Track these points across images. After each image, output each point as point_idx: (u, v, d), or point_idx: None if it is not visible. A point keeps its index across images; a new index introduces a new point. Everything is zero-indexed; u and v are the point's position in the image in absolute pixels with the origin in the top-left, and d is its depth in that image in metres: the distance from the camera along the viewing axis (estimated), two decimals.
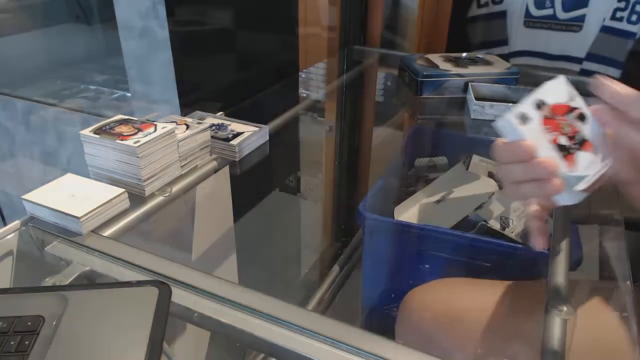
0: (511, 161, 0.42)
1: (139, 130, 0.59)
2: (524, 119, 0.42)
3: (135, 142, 0.56)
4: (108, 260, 0.47)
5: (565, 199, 0.43)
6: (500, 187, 0.79)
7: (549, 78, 0.44)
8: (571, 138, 0.42)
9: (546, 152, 0.41)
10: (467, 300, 0.55)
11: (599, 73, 1.08)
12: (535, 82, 0.47)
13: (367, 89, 1.21)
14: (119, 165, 0.58)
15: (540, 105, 0.42)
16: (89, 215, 0.51)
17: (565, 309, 0.42)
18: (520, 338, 0.49)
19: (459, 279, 0.60)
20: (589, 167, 0.42)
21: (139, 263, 0.47)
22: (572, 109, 0.43)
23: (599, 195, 0.64)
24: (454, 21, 1.23)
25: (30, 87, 1.11)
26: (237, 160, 0.70)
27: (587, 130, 0.42)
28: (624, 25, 1.04)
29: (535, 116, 0.42)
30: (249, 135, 0.72)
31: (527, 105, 0.42)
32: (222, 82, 0.92)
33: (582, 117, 0.43)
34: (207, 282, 0.44)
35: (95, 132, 0.59)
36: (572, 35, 1.11)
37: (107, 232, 0.52)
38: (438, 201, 0.78)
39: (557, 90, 0.43)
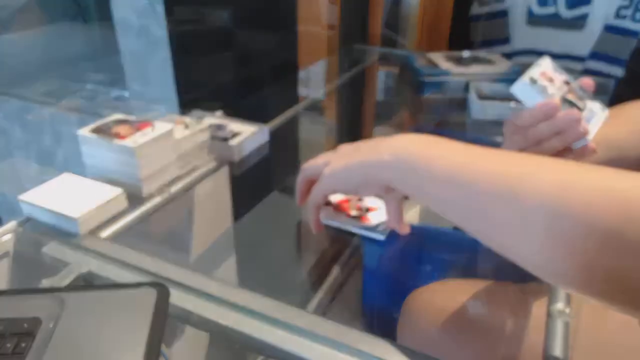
0: (539, 120, 0.48)
1: (137, 130, 0.59)
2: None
3: (133, 142, 0.56)
4: (105, 262, 0.47)
5: (582, 142, 0.51)
6: None
7: None
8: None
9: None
10: (469, 302, 0.55)
11: (603, 72, 1.08)
12: None
13: (367, 88, 1.21)
14: (117, 166, 0.58)
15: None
16: (86, 216, 0.50)
17: (567, 310, 0.42)
18: (522, 340, 0.49)
19: (460, 281, 0.60)
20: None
21: (137, 264, 0.46)
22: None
23: None
24: (456, 20, 1.22)
25: (26, 87, 1.10)
26: (236, 160, 0.70)
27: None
28: (627, 24, 1.04)
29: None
30: (248, 135, 0.71)
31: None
32: (221, 81, 0.92)
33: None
34: (205, 283, 0.44)
35: (93, 131, 0.58)
36: (575, 34, 1.11)
37: (105, 233, 0.52)
38: None
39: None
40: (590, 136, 0.49)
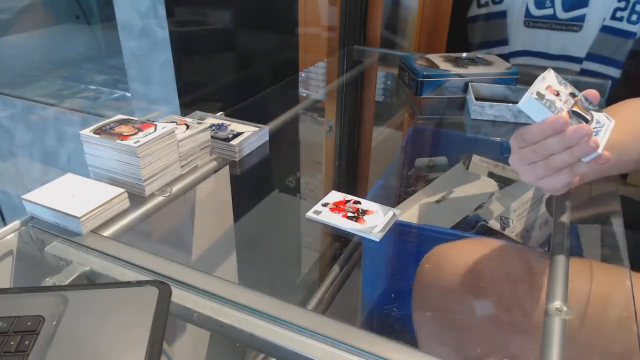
0: (549, 135, 0.47)
1: (139, 130, 0.59)
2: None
3: (135, 142, 0.56)
4: (108, 260, 0.48)
5: (592, 155, 0.49)
6: (500, 188, 0.79)
7: None
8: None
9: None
10: (489, 261, 0.55)
11: (599, 73, 1.09)
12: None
13: (367, 89, 1.21)
14: (119, 165, 0.58)
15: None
16: (89, 215, 0.51)
17: (564, 309, 0.42)
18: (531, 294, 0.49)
19: (480, 238, 0.61)
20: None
21: (139, 263, 0.47)
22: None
23: (599, 195, 0.64)
24: (454, 21, 1.23)
25: (30, 87, 1.11)
26: (237, 160, 0.70)
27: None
28: (624, 25, 1.04)
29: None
30: (248, 135, 0.72)
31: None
32: (222, 82, 0.92)
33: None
34: (207, 282, 0.44)
35: (95, 132, 0.59)
36: (572, 35, 1.11)
37: (107, 232, 0.52)
38: (438, 201, 0.78)
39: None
40: (600, 149, 0.47)
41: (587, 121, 0.49)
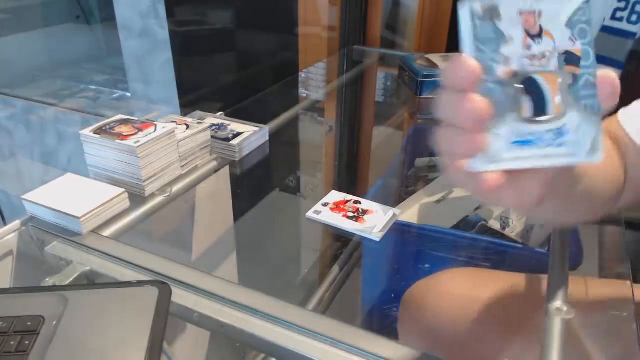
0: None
1: (139, 130, 0.59)
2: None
3: (135, 142, 0.56)
4: (108, 260, 0.48)
5: None
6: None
7: None
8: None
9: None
10: (472, 292, 0.55)
11: None
12: None
13: (367, 89, 1.22)
14: (119, 165, 0.58)
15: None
16: (89, 215, 0.51)
17: (565, 308, 0.42)
18: (523, 332, 0.49)
19: (462, 270, 0.60)
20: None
21: (139, 263, 0.47)
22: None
23: None
24: (454, 21, 1.23)
25: (30, 87, 1.11)
26: (237, 160, 0.70)
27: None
28: (624, 25, 1.04)
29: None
30: (249, 135, 0.72)
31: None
32: (222, 82, 0.92)
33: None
34: (207, 282, 0.44)
35: (95, 132, 0.59)
36: None
37: (107, 232, 0.52)
38: (438, 201, 0.78)
39: None
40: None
41: None
